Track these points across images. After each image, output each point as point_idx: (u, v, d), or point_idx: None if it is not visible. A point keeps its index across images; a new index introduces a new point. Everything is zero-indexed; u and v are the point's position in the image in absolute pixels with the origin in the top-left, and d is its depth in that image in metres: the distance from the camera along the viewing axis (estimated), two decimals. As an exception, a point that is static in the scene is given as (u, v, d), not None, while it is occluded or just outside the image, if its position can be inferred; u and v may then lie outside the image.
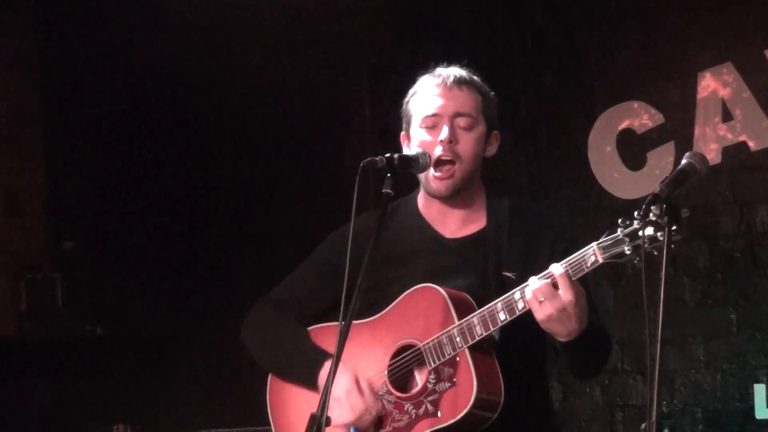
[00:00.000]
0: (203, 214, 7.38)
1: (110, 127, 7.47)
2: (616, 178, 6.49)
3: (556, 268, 3.38)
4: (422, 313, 3.62)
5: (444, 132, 3.68)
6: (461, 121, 3.70)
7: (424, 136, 3.72)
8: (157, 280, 7.36)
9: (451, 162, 3.68)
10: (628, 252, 3.27)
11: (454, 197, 3.72)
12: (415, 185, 3.85)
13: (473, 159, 3.70)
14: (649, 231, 3.19)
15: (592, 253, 3.35)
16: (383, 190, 3.58)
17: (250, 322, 3.97)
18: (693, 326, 6.29)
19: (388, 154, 3.61)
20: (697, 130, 6.32)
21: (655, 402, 3.00)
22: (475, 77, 3.80)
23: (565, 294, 3.36)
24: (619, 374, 6.39)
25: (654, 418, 3.00)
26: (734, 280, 6.25)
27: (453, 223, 3.76)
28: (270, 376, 3.92)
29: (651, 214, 3.14)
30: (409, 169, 3.65)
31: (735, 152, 6.25)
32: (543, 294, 3.37)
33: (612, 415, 6.44)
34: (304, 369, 3.76)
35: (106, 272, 7.46)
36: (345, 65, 7.08)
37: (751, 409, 6.07)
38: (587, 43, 6.60)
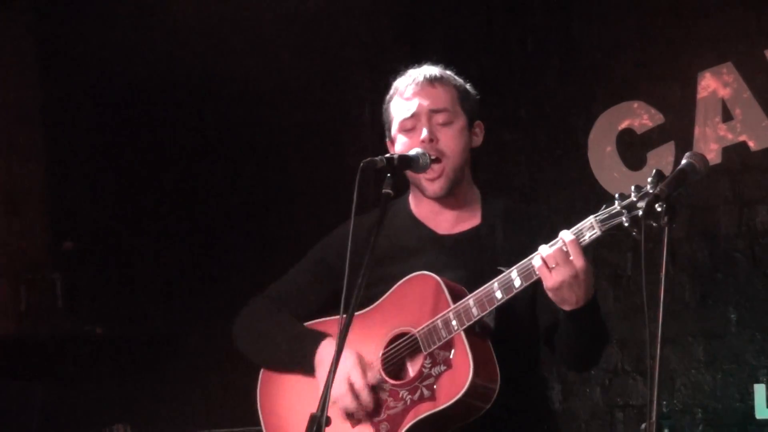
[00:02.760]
0: (203, 214, 7.38)
1: (110, 127, 7.47)
2: (616, 178, 6.49)
3: (566, 235, 3.39)
4: (417, 300, 3.62)
5: (423, 132, 3.68)
6: (439, 118, 3.70)
7: (405, 139, 3.72)
8: (157, 280, 7.36)
9: (437, 160, 3.67)
10: (626, 224, 3.28)
11: (448, 195, 3.72)
12: (406, 186, 3.85)
13: (459, 153, 3.69)
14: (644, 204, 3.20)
15: (590, 226, 3.36)
16: (383, 190, 3.57)
17: (243, 315, 3.99)
18: (693, 326, 6.29)
19: (388, 154, 3.60)
20: (697, 130, 6.32)
21: (655, 402, 3.00)
22: (447, 72, 3.79)
23: (577, 260, 3.37)
24: (619, 374, 6.39)
25: (654, 418, 2.99)
26: (734, 280, 6.25)
27: (446, 221, 3.76)
28: (261, 374, 3.92)
29: (648, 188, 3.21)
30: (409, 169, 3.65)
31: (735, 152, 6.25)
32: (556, 260, 3.38)
33: (612, 415, 6.44)
34: (300, 350, 3.75)
35: (106, 272, 7.47)
36: (345, 65, 7.08)
37: (751, 409, 6.08)
38: (587, 43, 6.60)
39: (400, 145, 3.72)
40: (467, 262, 3.63)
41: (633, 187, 3.28)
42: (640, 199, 3.25)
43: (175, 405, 6.92)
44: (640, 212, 3.21)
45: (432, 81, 3.73)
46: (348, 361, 3.64)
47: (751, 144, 6.23)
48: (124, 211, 7.47)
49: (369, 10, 6.99)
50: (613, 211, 3.32)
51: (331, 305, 3.75)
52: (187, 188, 7.39)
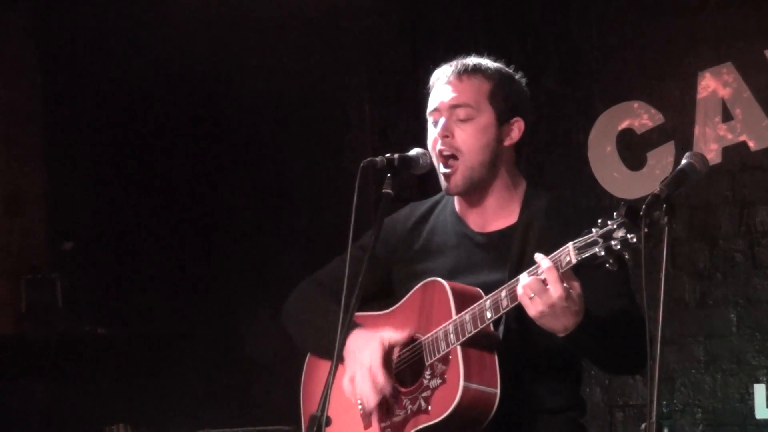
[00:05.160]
0: (203, 214, 7.38)
1: (110, 127, 7.47)
2: (616, 178, 6.49)
3: (544, 262, 3.27)
4: (428, 306, 3.58)
5: (439, 126, 3.65)
6: (459, 113, 3.63)
7: (431, 132, 3.69)
8: (157, 280, 7.36)
9: (453, 156, 3.62)
10: (601, 254, 3.18)
11: (471, 192, 3.66)
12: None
13: (477, 150, 3.61)
14: (622, 233, 3.15)
15: (567, 253, 3.25)
16: (383, 190, 3.55)
17: (290, 300, 3.92)
18: (693, 326, 6.29)
19: (388, 154, 3.59)
20: (697, 130, 6.32)
21: (655, 402, 3.00)
22: (488, 63, 3.73)
23: (555, 289, 3.25)
24: (619, 374, 6.39)
25: (654, 418, 2.99)
26: (734, 280, 6.24)
27: (482, 218, 3.68)
28: (306, 362, 3.87)
29: (623, 217, 3.13)
30: (409, 170, 3.62)
31: (735, 152, 6.25)
32: (532, 290, 3.27)
33: (612, 415, 6.44)
34: (332, 341, 3.60)
35: (106, 272, 7.47)
36: (345, 65, 7.08)
37: (751, 409, 6.08)
38: (587, 43, 6.60)
39: (428, 136, 3.69)
40: (499, 264, 3.54)
41: (619, 209, 3.17)
42: (618, 228, 3.15)
43: (175, 405, 6.91)
44: (616, 243, 3.13)
45: (460, 74, 3.66)
46: (370, 348, 3.59)
47: (751, 144, 6.23)
48: (125, 211, 7.47)
49: (369, 10, 6.99)
50: (590, 240, 3.21)
51: (380, 294, 3.75)
52: (188, 188, 7.39)
